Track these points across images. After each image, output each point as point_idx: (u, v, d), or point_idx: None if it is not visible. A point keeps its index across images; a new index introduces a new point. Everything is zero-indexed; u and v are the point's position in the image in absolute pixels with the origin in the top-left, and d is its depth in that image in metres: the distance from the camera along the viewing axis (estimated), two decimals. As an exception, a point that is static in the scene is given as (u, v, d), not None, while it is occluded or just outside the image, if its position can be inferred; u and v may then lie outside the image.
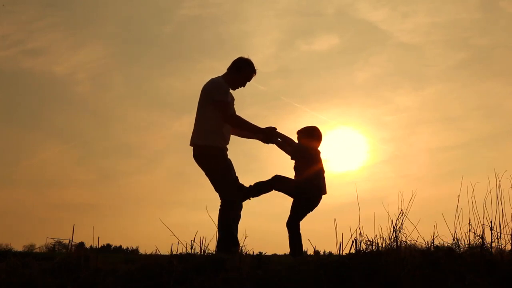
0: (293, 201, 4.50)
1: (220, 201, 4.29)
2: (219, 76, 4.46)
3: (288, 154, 4.58)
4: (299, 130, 4.67)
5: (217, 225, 4.13)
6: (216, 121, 4.30)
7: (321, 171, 4.56)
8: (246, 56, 4.53)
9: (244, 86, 4.52)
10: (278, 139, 4.50)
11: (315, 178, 4.48)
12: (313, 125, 4.69)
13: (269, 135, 4.40)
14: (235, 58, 4.54)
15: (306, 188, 4.44)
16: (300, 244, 4.37)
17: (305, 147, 4.56)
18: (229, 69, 4.51)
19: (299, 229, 4.44)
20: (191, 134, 4.42)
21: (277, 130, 4.42)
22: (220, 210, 4.24)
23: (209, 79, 4.44)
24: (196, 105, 4.45)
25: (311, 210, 4.50)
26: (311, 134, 4.63)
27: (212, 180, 4.32)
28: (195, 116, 4.44)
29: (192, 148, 4.39)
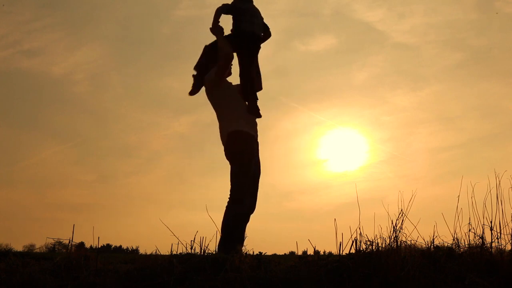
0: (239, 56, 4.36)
1: (229, 196, 4.07)
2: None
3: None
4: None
5: (221, 223, 3.98)
6: (232, 104, 4.24)
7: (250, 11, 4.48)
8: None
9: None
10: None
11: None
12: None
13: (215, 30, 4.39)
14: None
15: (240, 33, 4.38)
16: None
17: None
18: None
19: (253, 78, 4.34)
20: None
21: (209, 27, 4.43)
22: (226, 207, 4.05)
23: None
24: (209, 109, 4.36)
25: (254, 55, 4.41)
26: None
27: (232, 168, 4.12)
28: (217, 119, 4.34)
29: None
